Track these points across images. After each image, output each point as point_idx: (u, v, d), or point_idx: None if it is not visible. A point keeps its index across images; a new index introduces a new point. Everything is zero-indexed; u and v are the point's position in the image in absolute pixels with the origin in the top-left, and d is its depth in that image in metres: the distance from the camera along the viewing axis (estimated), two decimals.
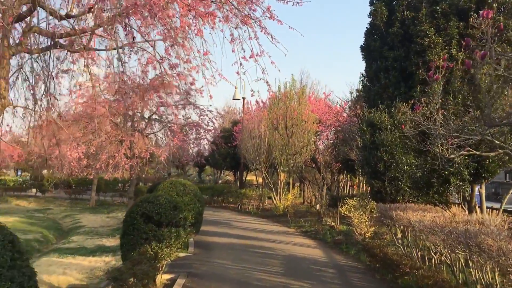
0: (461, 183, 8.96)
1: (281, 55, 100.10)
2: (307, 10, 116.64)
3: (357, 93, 21.03)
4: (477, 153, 7.33)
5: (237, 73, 7.11)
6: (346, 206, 15.06)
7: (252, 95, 7.15)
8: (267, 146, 25.35)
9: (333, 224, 17.58)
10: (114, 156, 19.09)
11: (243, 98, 29.93)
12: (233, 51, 7.00)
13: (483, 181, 9.35)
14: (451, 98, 9.30)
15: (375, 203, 14.19)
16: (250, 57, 7.11)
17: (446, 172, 8.69)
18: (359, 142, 16.02)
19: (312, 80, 50.32)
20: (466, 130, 7.96)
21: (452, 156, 7.39)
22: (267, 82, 7.20)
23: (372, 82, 14.60)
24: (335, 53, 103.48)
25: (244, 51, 6.96)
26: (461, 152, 7.26)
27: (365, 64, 15.25)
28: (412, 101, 8.89)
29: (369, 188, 26.15)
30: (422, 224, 7.97)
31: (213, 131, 22.03)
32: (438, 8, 12.79)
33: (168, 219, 8.56)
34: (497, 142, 7.65)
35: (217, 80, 7.78)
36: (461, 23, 12.62)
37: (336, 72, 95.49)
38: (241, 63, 7.05)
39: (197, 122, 21.79)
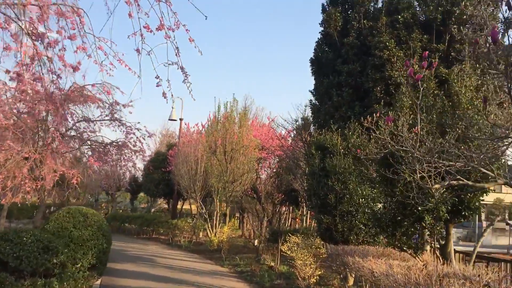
0: (436, 222, 6.98)
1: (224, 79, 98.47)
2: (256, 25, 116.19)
3: (303, 122, 19.21)
4: (470, 183, 5.33)
5: (137, 50, 4.75)
6: (288, 243, 12.75)
7: (158, 85, 4.78)
8: (204, 173, 22.75)
9: (272, 264, 15.19)
10: (15, 177, 15.81)
11: (181, 120, 27.42)
12: (130, 15, 4.63)
13: (462, 220, 7.46)
14: (424, 115, 7.42)
15: (322, 242, 12.03)
16: (158, 30, 4.78)
17: (420, 208, 6.65)
18: (305, 169, 13.93)
19: (256, 106, 48.66)
20: (447, 154, 6.02)
21: (437, 186, 5.33)
22: (182, 68, 4.88)
23: (322, 100, 12.63)
24: (283, 72, 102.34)
25: (148, 16, 4.62)
26: (449, 182, 5.21)
27: (314, 80, 13.29)
28: (378, 115, 6.87)
29: (314, 223, 24.21)
30: (392, 279, 5.80)
31: (140, 153, 19.23)
32: (399, 17, 11.13)
33: (32, 265, 5.84)
34: (484, 170, 5.72)
35: (115, 66, 5.43)
36: (425, 36, 11.08)
37: (282, 93, 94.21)
38: (142, 35, 4.69)
39: (123, 141, 19.00)
